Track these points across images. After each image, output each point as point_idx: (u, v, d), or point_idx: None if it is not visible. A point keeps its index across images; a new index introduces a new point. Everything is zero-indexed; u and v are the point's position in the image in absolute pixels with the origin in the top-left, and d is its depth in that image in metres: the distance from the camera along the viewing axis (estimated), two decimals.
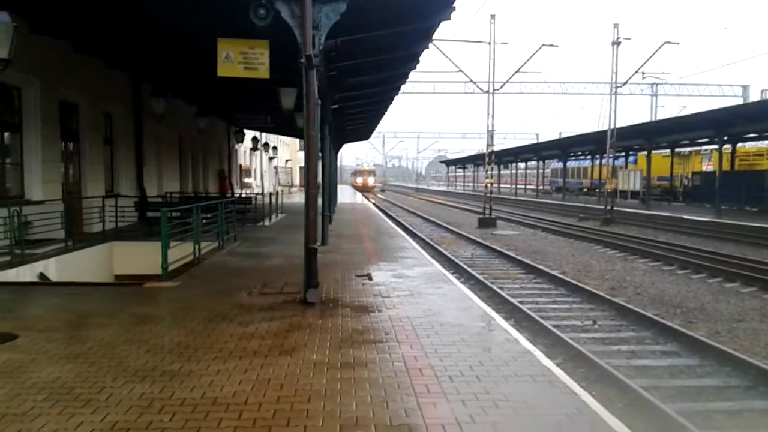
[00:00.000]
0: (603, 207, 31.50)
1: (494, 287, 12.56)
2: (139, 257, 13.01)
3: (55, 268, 11.20)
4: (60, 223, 11.90)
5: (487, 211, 29.52)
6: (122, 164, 18.09)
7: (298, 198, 39.05)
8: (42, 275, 10.77)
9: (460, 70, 31.03)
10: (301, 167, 62.01)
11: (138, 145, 18.96)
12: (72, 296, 8.59)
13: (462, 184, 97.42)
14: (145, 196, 18.50)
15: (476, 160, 73.36)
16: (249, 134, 34.98)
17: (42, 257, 11.03)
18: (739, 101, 50.62)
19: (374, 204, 41.14)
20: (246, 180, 40.32)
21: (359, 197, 50.38)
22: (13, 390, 4.76)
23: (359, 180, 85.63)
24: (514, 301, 11.23)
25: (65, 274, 11.24)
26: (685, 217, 27.59)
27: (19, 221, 10.52)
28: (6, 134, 12.61)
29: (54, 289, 9.59)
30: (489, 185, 30.98)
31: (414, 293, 8.90)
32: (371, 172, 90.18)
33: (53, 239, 11.76)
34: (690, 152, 46.10)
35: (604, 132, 32.10)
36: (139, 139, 19.00)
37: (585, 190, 54.88)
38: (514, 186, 70.12)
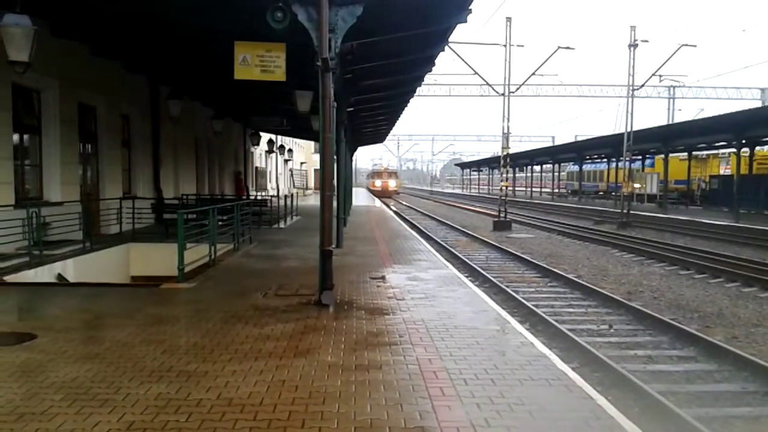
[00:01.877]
0: (619, 210, 31.28)
1: (509, 290, 12.51)
2: (156, 259, 13.11)
3: (72, 269, 11.32)
4: (78, 225, 12.04)
5: (502, 214, 29.42)
6: (139, 166, 18.25)
7: (313, 200, 39.17)
8: (60, 276, 10.88)
9: (476, 73, 30.94)
10: (315, 170, 62.29)
11: (155, 147, 19.11)
12: (89, 297, 8.67)
13: (477, 186, 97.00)
14: (162, 198, 18.65)
15: (491, 162, 73.11)
16: (265, 137, 35.15)
17: (60, 258, 11.16)
18: (758, 104, 50.17)
19: (389, 207, 41.09)
20: (260, 181, 40.49)
21: (376, 201, 50.22)
22: (31, 389, 4.81)
23: (377, 183, 73.47)
24: (529, 304, 11.18)
25: (83, 275, 11.35)
26: (703, 220, 27.33)
27: (37, 222, 10.64)
28: (25, 136, 12.75)
29: (72, 289, 9.70)
30: (504, 188, 30.89)
31: (428, 296, 8.89)
32: (392, 174, 76.91)
33: (71, 240, 11.88)
34: (707, 156, 45.67)
35: (621, 135, 31.92)
36: (156, 141, 19.16)
37: (601, 193, 54.54)
38: (529, 189, 69.84)
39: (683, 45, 31.52)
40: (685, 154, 40.09)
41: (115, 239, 13.72)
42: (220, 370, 5.31)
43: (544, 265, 16.04)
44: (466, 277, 11.80)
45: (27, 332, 6.42)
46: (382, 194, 67.01)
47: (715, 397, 6.91)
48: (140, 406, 4.47)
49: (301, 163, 66.41)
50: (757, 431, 6.08)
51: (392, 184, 74.08)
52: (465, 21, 10.92)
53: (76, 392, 4.75)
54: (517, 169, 71.26)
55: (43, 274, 10.41)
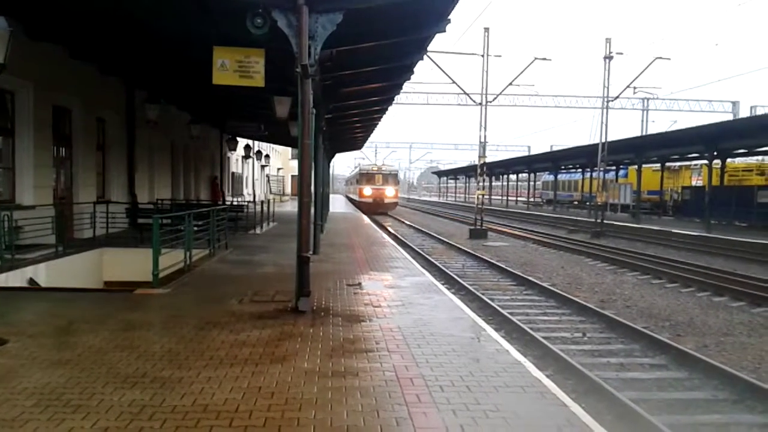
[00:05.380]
0: (593, 220, 31.66)
1: (485, 298, 12.59)
2: (130, 264, 12.97)
3: (44, 273, 11.15)
4: (51, 229, 11.87)
5: (478, 223, 29.61)
6: (114, 170, 18.04)
7: (290, 207, 39.04)
8: (32, 280, 10.72)
9: (454, 82, 31.21)
10: (293, 176, 62.10)
11: (130, 152, 18.93)
12: (62, 302, 8.55)
13: (453, 195, 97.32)
14: (137, 203, 18.44)
15: (468, 171, 73.46)
16: (242, 142, 34.99)
17: (32, 262, 10.98)
18: (729, 117, 51.17)
19: (366, 215, 41.02)
20: (237, 187, 40.25)
21: (353, 209, 49.66)
22: (2, 395, 4.74)
23: (367, 190, 48.39)
24: (504, 312, 11.26)
25: (55, 279, 11.19)
26: (675, 231, 27.74)
27: (9, 226, 10.47)
28: None
29: (44, 294, 9.55)
30: (480, 197, 31.09)
31: (405, 303, 8.92)
32: (388, 177, 49.71)
33: (43, 244, 11.71)
34: (680, 167, 46.43)
35: (595, 145, 32.31)
36: (132, 146, 18.97)
37: (575, 202, 55.12)
38: (505, 198, 70.32)
39: (657, 58, 32.10)
40: (658, 165, 40.73)
41: (89, 244, 13.54)
42: (195, 377, 5.28)
43: (520, 274, 16.16)
44: (443, 284, 11.86)
45: None
46: (375, 207, 46.59)
47: (685, 405, 7.03)
48: (114, 412, 4.43)
49: (278, 169, 66.17)
50: None
51: (390, 192, 49.22)
52: (444, 30, 11.02)
53: (49, 398, 4.69)
54: (493, 177, 71.79)
55: (15, 278, 10.24)
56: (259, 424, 4.30)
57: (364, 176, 49.81)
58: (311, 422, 4.36)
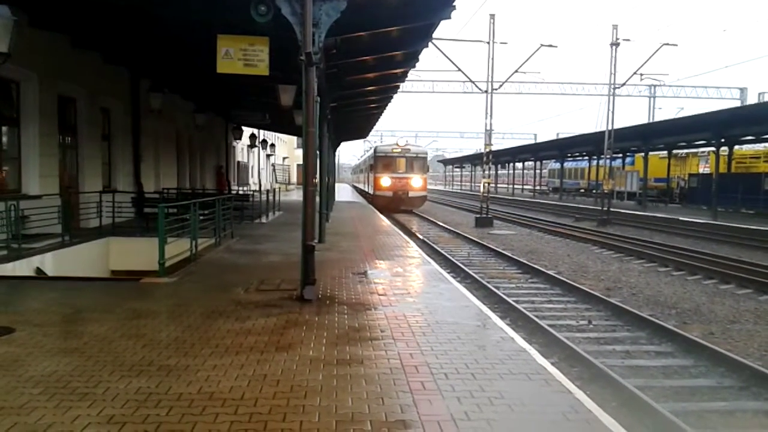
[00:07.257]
0: (599, 208, 31.57)
1: (490, 286, 12.59)
2: (136, 253, 13.01)
3: (51, 262, 11.19)
4: (57, 218, 11.90)
5: (484, 211, 29.56)
6: (120, 159, 18.06)
7: (295, 196, 39.01)
8: (38, 270, 10.76)
9: (459, 70, 30.98)
10: (298, 165, 62.12)
11: (135, 141, 18.93)
12: (68, 291, 8.59)
13: (459, 183, 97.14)
14: (143, 192, 18.48)
15: (474, 159, 73.37)
16: (247, 131, 34.97)
17: (39, 252, 11.02)
18: (737, 104, 50.81)
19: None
20: (242, 176, 40.27)
21: (359, 198, 49.54)
22: (9, 383, 4.76)
23: (385, 181, 36.50)
24: (510, 300, 11.25)
25: (62, 268, 11.24)
26: (682, 218, 27.66)
27: (16, 215, 10.51)
28: (4, 128, 12.57)
29: (50, 283, 9.58)
30: (486, 185, 31.02)
31: (410, 291, 8.92)
32: (415, 161, 37.12)
33: (50, 234, 11.74)
34: (687, 154, 46.23)
35: (602, 133, 32.18)
36: (137, 135, 18.97)
37: (582, 190, 54.97)
38: (511, 186, 70.17)
39: (664, 44, 31.91)
40: (665, 152, 40.54)
41: (95, 233, 13.58)
42: (201, 365, 5.30)
43: (525, 262, 16.15)
44: (448, 272, 11.86)
45: (5, 326, 6.35)
46: (396, 203, 35.89)
47: (691, 392, 7.02)
48: (120, 400, 4.45)
49: (284, 158, 66.17)
50: (732, 425, 6.19)
51: (417, 182, 36.75)
52: (449, 17, 10.96)
53: (55, 386, 4.72)
54: (499, 166, 71.54)
55: (22, 267, 10.28)
56: (264, 412, 4.32)
57: (381, 161, 37.13)
58: (316, 409, 4.37)
